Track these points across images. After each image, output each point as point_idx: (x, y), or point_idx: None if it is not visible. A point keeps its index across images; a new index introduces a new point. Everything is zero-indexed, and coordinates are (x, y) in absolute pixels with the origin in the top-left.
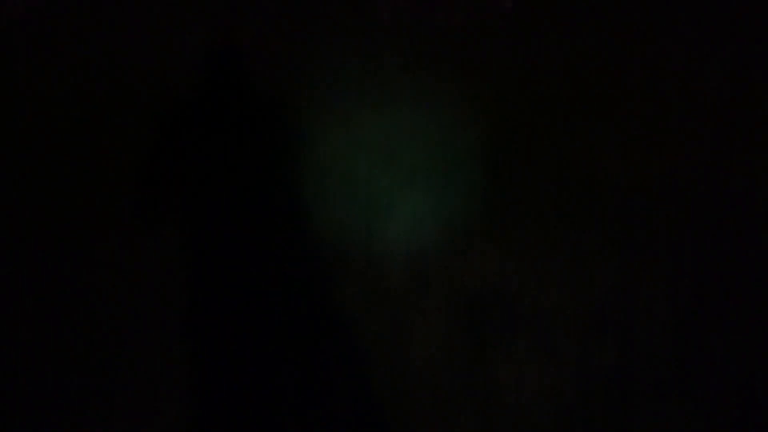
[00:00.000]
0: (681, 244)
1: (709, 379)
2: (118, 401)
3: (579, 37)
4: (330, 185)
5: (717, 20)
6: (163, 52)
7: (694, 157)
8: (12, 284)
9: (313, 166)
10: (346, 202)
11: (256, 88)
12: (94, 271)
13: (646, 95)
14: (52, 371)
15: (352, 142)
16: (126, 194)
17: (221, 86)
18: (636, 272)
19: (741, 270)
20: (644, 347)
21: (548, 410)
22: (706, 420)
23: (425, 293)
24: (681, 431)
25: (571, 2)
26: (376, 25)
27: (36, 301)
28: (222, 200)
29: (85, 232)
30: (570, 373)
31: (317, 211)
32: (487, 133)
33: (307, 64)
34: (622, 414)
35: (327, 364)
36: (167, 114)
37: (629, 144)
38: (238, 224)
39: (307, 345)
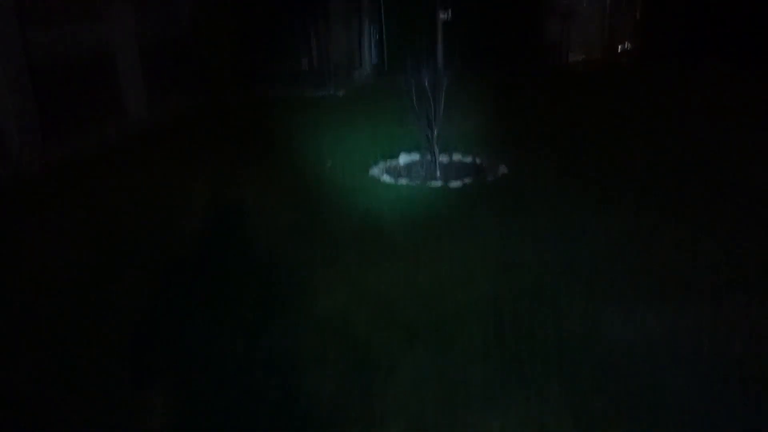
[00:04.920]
0: (688, 404)
1: None
2: None
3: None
4: (328, 342)
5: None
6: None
7: (692, 312)
8: None
9: (311, 322)
10: (344, 359)
11: (254, 243)
12: None
13: (637, 264)
14: None
15: (352, 296)
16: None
17: (220, 237)
18: None
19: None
20: None
21: None
22: None
23: None
24: None
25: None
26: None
27: None
28: (217, 355)
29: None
30: None
31: (315, 368)
32: (488, 293)
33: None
34: None
35: None
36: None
37: (628, 304)
38: (233, 381)
39: None
